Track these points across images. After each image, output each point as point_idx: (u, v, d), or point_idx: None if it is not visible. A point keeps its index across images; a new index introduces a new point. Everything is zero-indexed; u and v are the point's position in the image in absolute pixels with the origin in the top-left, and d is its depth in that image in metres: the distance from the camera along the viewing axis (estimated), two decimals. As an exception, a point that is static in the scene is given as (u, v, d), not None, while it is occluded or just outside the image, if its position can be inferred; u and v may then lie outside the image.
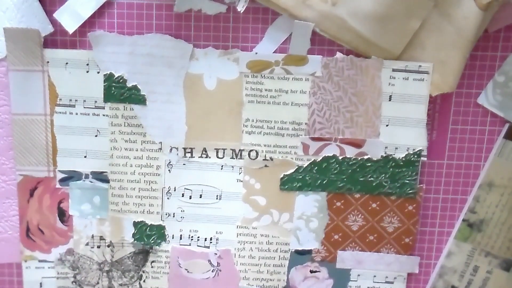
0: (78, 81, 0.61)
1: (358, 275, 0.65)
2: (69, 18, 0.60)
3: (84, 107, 0.61)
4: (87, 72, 0.61)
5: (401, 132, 0.62)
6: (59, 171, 0.63)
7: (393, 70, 0.60)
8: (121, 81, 0.61)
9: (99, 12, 0.61)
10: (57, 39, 0.61)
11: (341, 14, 0.59)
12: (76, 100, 0.61)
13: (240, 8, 0.59)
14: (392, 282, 0.66)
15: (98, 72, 0.61)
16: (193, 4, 0.60)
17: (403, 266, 0.65)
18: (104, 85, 0.61)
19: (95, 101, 0.61)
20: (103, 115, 0.62)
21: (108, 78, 0.61)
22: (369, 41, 0.60)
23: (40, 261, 0.65)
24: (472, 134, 0.64)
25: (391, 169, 0.62)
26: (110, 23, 0.61)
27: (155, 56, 0.60)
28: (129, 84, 0.61)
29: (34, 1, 0.60)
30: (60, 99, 0.61)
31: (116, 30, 0.61)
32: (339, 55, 0.60)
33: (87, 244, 0.65)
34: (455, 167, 0.65)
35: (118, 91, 0.61)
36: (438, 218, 0.66)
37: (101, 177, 0.63)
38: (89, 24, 0.61)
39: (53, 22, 0.60)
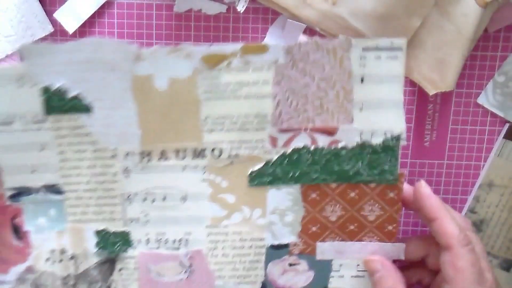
0: (11, 98, 0.55)
1: (340, 265, 0.62)
2: (69, 18, 0.59)
3: (23, 124, 0.56)
4: (21, 87, 0.54)
5: (376, 116, 0.56)
6: (7, 188, 0.57)
7: (363, 49, 0.55)
8: (60, 92, 0.55)
9: (99, 12, 0.61)
10: (57, 39, 0.62)
11: (341, 13, 0.58)
12: (13, 117, 0.55)
13: (240, 8, 0.58)
14: None
15: (34, 86, 0.55)
16: (193, 4, 0.59)
17: (388, 254, 0.61)
18: (42, 99, 0.55)
19: (34, 116, 0.56)
20: (46, 128, 0.56)
21: (46, 90, 0.55)
22: (370, 39, 0.56)
23: None
24: (472, 134, 0.64)
25: (368, 156, 0.57)
26: (110, 23, 0.62)
27: (95, 62, 0.54)
28: (70, 95, 0.55)
29: (34, 1, 0.60)
30: None
31: (116, 30, 0.62)
32: (302, 38, 0.55)
33: (47, 260, 0.60)
34: (455, 167, 0.65)
35: (59, 103, 0.55)
36: (438, 218, 0.65)
37: (53, 189, 0.58)
38: (89, 24, 0.62)
39: (53, 22, 0.61)
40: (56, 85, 0.55)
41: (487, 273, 0.56)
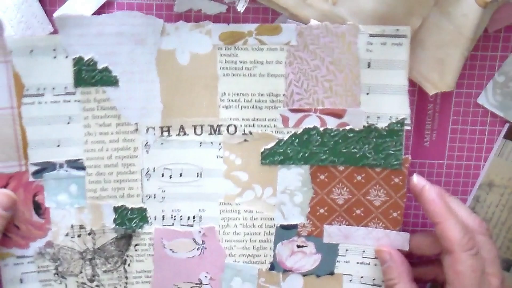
0: (45, 69, 0.59)
1: (347, 250, 0.64)
2: None
3: (54, 95, 0.59)
4: (54, 57, 0.58)
5: (382, 100, 0.60)
6: (31, 164, 0.60)
7: (370, 35, 0.59)
8: (91, 63, 0.59)
9: (99, 12, 0.60)
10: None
11: (341, 13, 0.58)
12: (44, 89, 0.59)
13: (240, 8, 0.58)
14: None
15: (67, 57, 0.58)
16: (193, 4, 0.59)
17: (393, 242, 0.62)
18: (73, 70, 0.59)
19: (65, 87, 0.59)
20: (75, 100, 0.60)
21: (78, 62, 0.59)
22: (370, 39, 0.59)
23: (18, 257, 0.62)
24: (472, 134, 0.65)
25: (374, 140, 0.61)
26: (110, 23, 0.61)
27: (125, 35, 0.58)
28: (99, 66, 0.59)
29: (34, 1, 0.59)
30: (27, 89, 0.59)
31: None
32: (313, 22, 0.58)
33: (67, 235, 0.62)
34: (455, 167, 0.65)
35: (89, 75, 0.59)
36: (439, 217, 0.66)
37: (76, 165, 0.61)
38: (89, 24, 0.61)
39: (53, 22, 0.59)
40: (87, 56, 0.59)
41: (492, 279, 0.57)
